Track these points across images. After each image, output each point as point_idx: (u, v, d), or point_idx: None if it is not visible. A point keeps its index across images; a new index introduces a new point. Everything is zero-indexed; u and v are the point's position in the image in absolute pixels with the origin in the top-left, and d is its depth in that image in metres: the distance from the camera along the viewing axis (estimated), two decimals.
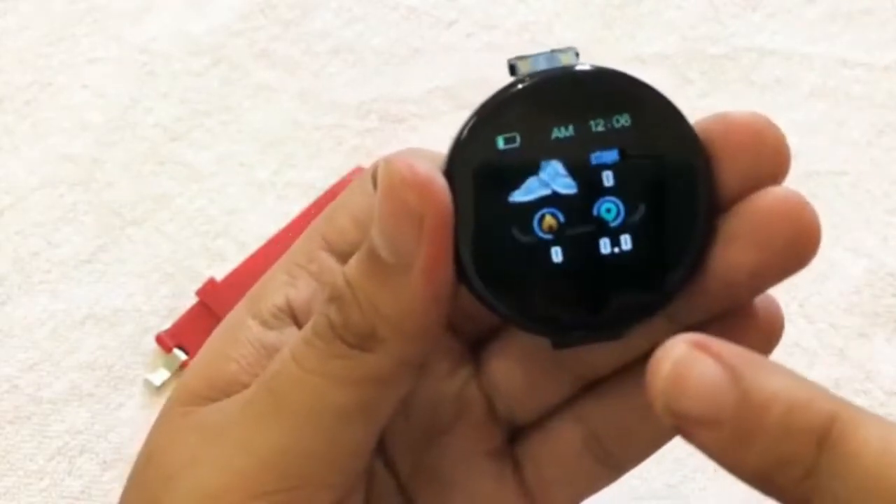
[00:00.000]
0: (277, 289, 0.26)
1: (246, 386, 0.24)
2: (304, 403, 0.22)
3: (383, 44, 0.48)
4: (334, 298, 0.23)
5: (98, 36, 0.49)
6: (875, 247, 0.42)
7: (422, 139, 0.46)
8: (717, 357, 0.19)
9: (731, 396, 0.18)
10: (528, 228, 0.22)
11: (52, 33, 0.49)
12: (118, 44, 0.48)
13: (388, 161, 0.21)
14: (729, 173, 0.22)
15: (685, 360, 0.19)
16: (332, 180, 0.44)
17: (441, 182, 0.21)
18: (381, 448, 0.26)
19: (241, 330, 0.25)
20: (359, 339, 0.22)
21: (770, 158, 0.22)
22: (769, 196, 0.21)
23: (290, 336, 0.25)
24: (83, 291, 0.43)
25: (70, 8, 0.49)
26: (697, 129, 0.22)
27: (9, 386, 0.41)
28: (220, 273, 0.43)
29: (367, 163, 0.45)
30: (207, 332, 0.41)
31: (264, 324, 0.25)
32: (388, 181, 0.21)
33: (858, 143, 0.45)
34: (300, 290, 0.25)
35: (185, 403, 0.25)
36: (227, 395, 0.24)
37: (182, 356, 0.41)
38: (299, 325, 0.25)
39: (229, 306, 0.41)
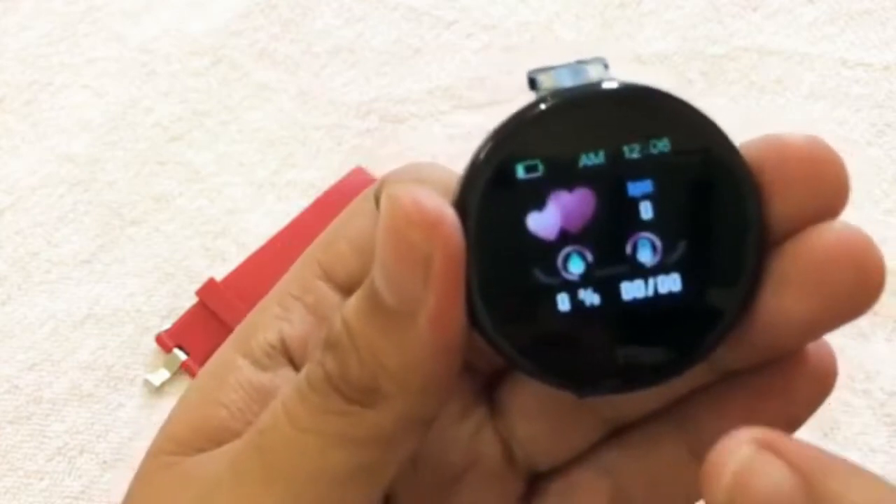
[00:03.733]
0: (270, 323, 0.23)
1: (237, 434, 0.22)
2: (298, 465, 0.20)
3: (383, 44, 0.48)
4: (331, 345, 0.20)
5: (98, 36, 0.49)
6: None
7: (422, 139, 0.46)
8: (787, 460, 0.16)
9: None
10: (551, 269, 0.19)
11: (52, 33, 0.49)
12: (118, 44, 0.48)
13: (390, 194, 0.18)
14: (781, 206, 0.19)
15: (751, 464, 0.16)
16: (332, 180, 0.44)
17: (451, 218, 0.18)
18: (385, 499, 0.23)
19: (230, 371, 0.23)
20: (359, 394, 0.19)
21: (829, 190, 0.19)
22: (829, 233, 0.19)
23: (285, 378, 0.23)
24: (83, 291, 0.43)
25: (70, 8, 0.49)
26: (746, 153, 0.19)
27: (9, 386, 0.41)
28: (220, 273, 0.43)
29: (366, 163, 0.45)
30: (207, 332, 0.42)
31: (256, 364, 0.23)
32: (391, 218, 0.18)
33: (858, 143, 0.45)
34: (295, 325, 0.23)
35: (169, 453, 0.22)
36: (216, 443, 0.22)
37: (182, 356, 0.41)
38: (294, 365, 0.23)
39: (229, 306, 0.42)
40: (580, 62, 0.21)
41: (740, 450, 0.16)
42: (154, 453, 0.23)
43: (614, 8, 0.49)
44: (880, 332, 0.41)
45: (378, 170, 0.44)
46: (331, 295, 0.23)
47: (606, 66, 0.20)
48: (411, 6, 0.49)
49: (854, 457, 0.38)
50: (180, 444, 0.22)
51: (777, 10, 0.48)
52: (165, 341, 0.41)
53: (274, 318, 0.23)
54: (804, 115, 0.46)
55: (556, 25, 0.48)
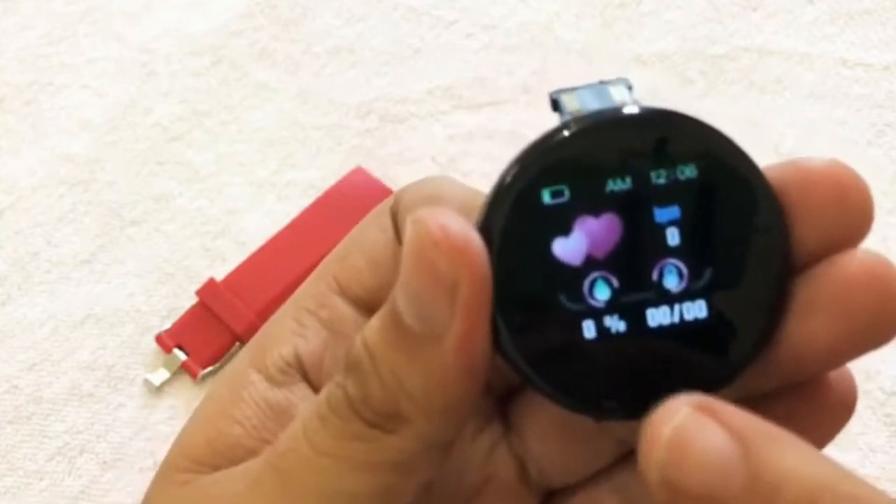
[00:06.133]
0: (285, 338, 0.23)
1: (251, 451, 0.22)
2: (317, 489, 0.20)
3: (383, 44, 0.48)
4: (352, 367, 0.20)
5: (98, 36, 0.49)
6: (875, 247, 0.42)
7: (422, 139, 0.46)
8: (726, 424, 0.16)
9: (740, 472, 0.16)
10: (577, 295, 0.19)
11: (52, 33, 0.49)
12: (118, 44, 0.48)
13: (417, 219, 0.18)
14: (806, 231, 0.19)
15: (688, 425, 0.16)
16: (332, 180, 0.44)
17: (478, 244, 0.18)
18: None
19: (244, 387, 0.23)
20: (380, 418, 0.19)
21: (853, 217, 0.19)
22: (854, 262, 0.19)
23: (299, 395, 0.23)
24: (83, 291, 0.43)
25: (70, 8, 0.49)
26: (770, 178, 0.19)
27: (9, 386, 0.41)
28: (220, 273, 0.43)
29: (366, 163, 0.45)
30: (207, 332, 0.42)
31: (270, 380, 0.23)
32: (417, 242, 0.18)
33: (858, 143, 0.45)
34: (310, 341, 0.23)
35: (183, 470, 0.22)
36: (231, 461, 0.22)
37: (182, 356, 0.41)
38: (309, 381, 0.23)
39: (229, 306, 0.42)
40: (603, 83, 0.21)
41: (679, 411, 0.16)
42: (167, 469, 0.22)
43: (614, 8, 0.49)
44: None
45: (378, 170, 0.44)
46: (346, 310, 0.23)
47: (630, 88, 0.20)
48: (411, 6, 0.49)
49: (854, 457, 0.38)
50: (194, 461, 0.22)
51: (777, 10, 0.48)
52: (165, 341, 0.41)
53: (289, 333, 0.23)
54: (804, 115, 0.46)
55: (556, 25, 0.48)
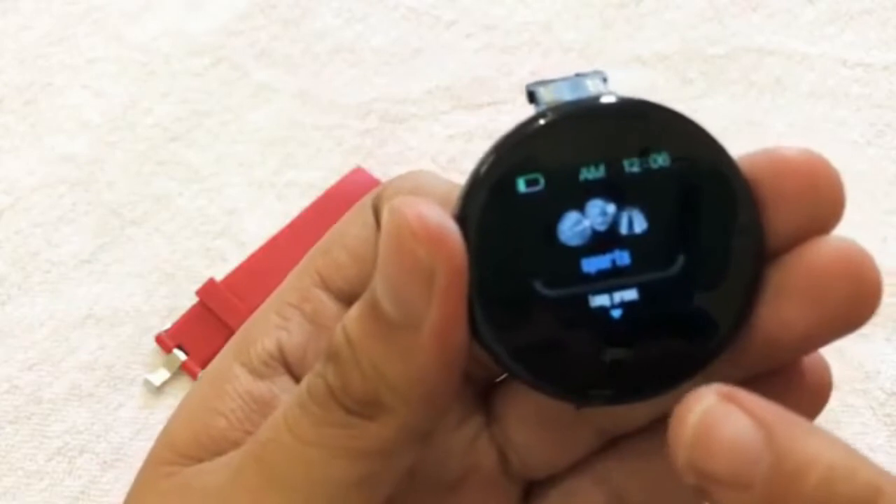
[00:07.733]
0: (268, 332, 0.24)
1: (235, 444, 0.22)
2: (299, 477, 0.20)
3: (383, 44, 0.48)
4: (332, 356, 0.20)
5: (98, 36, 0.49)
6: (874, 247, 0.42)
7: (422, 139, 0.46)
8: (749, 412, 0.17)
9: (765, 457, 0.16)
10: (553, 282, 0.20)
11: (52, 33, 0.49)
12: (118, 44, 0.48)
13: (393, 208, 0.18)
14: (778, 219, 0.20)
15: (714, 412, 0.17)
16: (332, 180, 0.44)
17: (454, 233, 0.19)
18: None
19: (228, 380, 0.23)
20: (360, 406, 0.20)
21: (825, 205, 0.19)
22: (827, 248, 0.19)
23: (282, 387, 0.23)
24: (83, 291, 0.43)
25: (70, 8, 0.49)
26: (743, 167, 0.20)
27: (9, 386, 0.41)
28: (220, 273, 0.43)
29: (366, 163, 0.45)
30: (207, 332, 0.42)
31: (254, 372, 0.23)
32: (395, 232, 0.18)
33: (858, 143, 0.45)
34: (293, 334, 0.23)
35: (168, 462, 0.22)
36: (215, 453, 0.22)
37: (182, 356, 0.41)
38: (292, 374, 0.23)
39: (229, 306, 0.42)
40: (579, 75, 0.21)
41: (706, 398, 0.17)
42: (153, 462, 0.23)
43: (614, 8, 0.49)
44: (880, 332, 0.41)
45: (378, 170, 0.44)
46: (329, 304, 0.24)
47: (605, 80, 0.21)
48: (411, 6, 0.49)
49: None
50: (179, 453, 0.22)
51: (777, 10, 0.48)
52: (165, 341, 0.41)
53: (272, 327, 0.24)
54: (804, 115, 0.46)
55: (556, 25, 0.48)
